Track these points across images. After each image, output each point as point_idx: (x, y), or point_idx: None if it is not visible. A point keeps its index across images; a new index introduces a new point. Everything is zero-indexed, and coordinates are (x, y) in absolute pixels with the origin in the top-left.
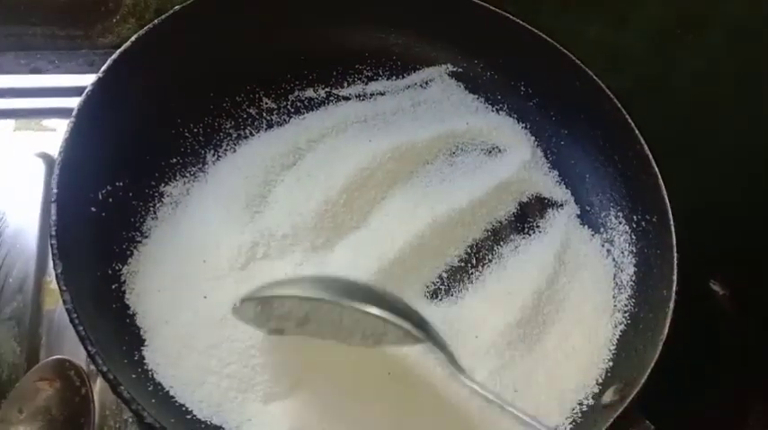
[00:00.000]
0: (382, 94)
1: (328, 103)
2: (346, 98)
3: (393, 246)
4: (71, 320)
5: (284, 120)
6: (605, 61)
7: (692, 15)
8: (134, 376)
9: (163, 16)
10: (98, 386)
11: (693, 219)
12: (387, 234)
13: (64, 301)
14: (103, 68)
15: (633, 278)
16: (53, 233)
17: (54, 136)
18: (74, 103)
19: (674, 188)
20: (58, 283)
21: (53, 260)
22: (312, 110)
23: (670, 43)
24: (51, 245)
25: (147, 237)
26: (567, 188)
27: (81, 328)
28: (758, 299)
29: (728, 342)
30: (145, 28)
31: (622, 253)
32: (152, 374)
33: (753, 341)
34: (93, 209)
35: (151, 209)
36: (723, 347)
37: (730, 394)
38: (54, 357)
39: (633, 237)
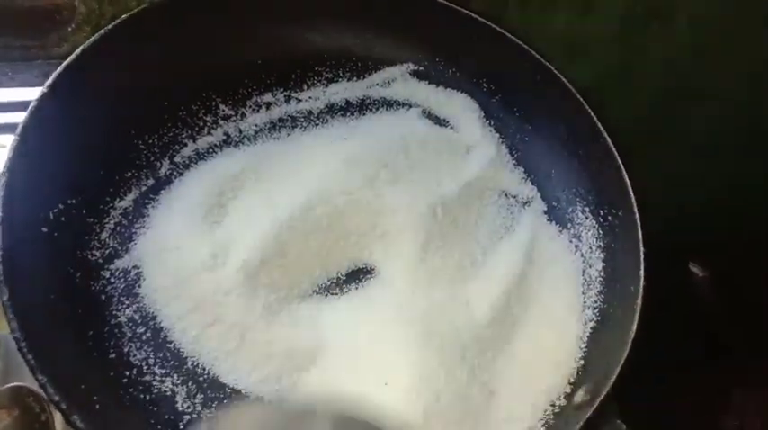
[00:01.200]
0: (344, 96)
1: (288, 107)
2: (306, 101)
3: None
4: (19, 349)
5: (242, 125)
6: (571, 52)
7: (657, 5)
8: (95, 398)
9: (109, 26)
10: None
11: (673, 201)
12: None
13: (11, 330)
14: (48, 82)
15: (602, 273)
16: None
17: (4, 152)
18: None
19: (653, 170)
20: (4, 311)
21: None
22: (271, 114)
23: (636, 31)
24: None
25: (100, 253)
26: (533, 184)
27: (30, 357)
28: (738, 280)
29: (708, 324)
30: (90, 39)
31: (590, 248)
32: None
33: (733, 323)
34: (44, 229)
35: (106, 225)
36: (703, 329)
37: (711, 378)
38: (11, 384)
39: (600, 231)
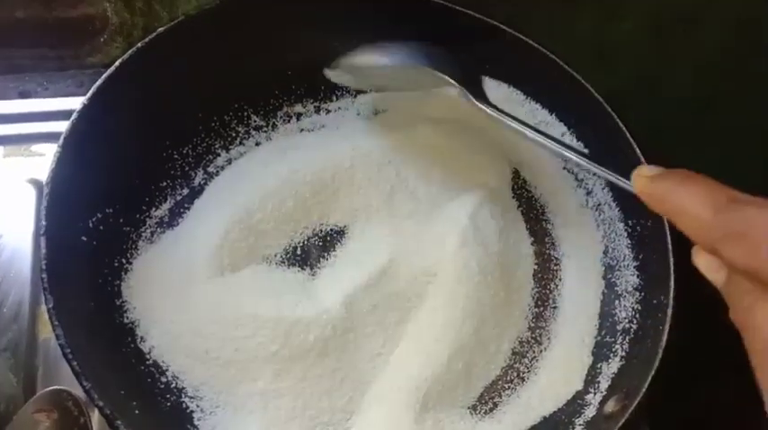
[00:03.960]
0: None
1: (318, 117)
2: (336, 111)
3: None
4: (64, 355)
5: (273, 135)
6: (596, 61)
7: (684, 12)
8: (134, 403)
9: (146, 39)
10: (96, 415)
11: None
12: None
13: (57, 336)
14: (88, 95)
15: (633, 285)
16: (43, 267)
17: (44, 161)
18: (63, 127)
19: None
20: (50, 318)
21: (44, 295)
22: (302, 124)
23: (665, 38)
24: (42, 279)
25: (138, 262)
26: None
27: (75, 364)
28: None
29: (727, 338)
30: (128, 52)
31: (621, 260)
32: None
33: None
34: (83, 238)
35: (142, 233)
36: (723, 345)
37: (732, 393)
38: (51, 388)
39: (630, 242)
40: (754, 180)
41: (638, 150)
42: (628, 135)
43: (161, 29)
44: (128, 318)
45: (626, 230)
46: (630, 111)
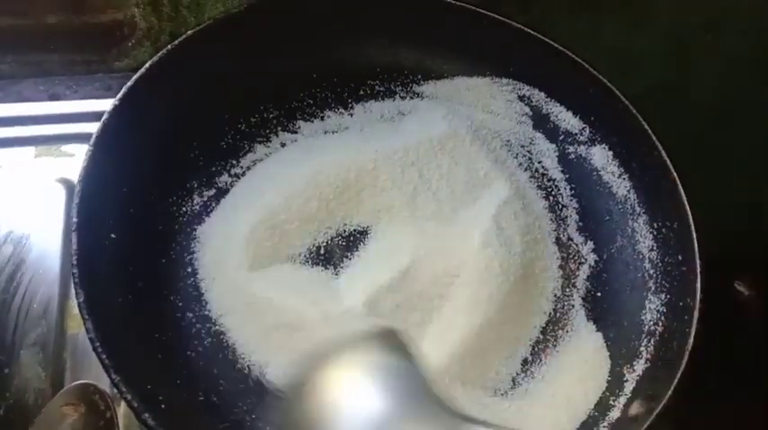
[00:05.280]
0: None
1: (342, 120)
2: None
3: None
4: (94, 349)
5: (298, 137)
6: (620, 66)
7: (708, 18)
8: (161, 398)
9: (175, 41)
10: (123, 409)
11: (718, 220)
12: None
13: (87, 330)
14: (119, 96)
15: (658, 287)
16: (74, 262)
17: (73, 161)
18: (92, 128)
19: (699, 188)
20: (80, 312)
21: (75, 289)
22: (326, 126)
23: (686, 47)
24: (73, 274)
25: (166, 259)
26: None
27: (104, 357)
28: None
29: (755, 343)
30: (158, 54)
31: (647, 262)
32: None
33: None
34: (113, 235)
35: (169, 232)
36: (749, 349)
37: (758, 396)
38: (78, 382)
39: (655, 244)
40: None
41: (663, 153)
42: (654, 138)
43: (190, 32)
44: (158, 310)
45: (651, 233)
46: (654, 116)
